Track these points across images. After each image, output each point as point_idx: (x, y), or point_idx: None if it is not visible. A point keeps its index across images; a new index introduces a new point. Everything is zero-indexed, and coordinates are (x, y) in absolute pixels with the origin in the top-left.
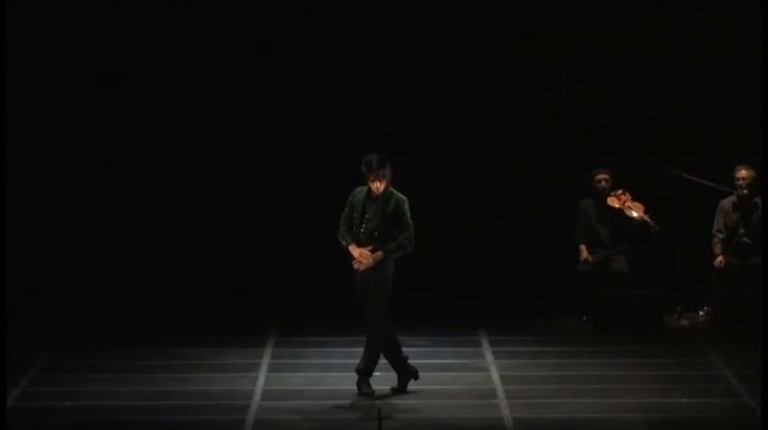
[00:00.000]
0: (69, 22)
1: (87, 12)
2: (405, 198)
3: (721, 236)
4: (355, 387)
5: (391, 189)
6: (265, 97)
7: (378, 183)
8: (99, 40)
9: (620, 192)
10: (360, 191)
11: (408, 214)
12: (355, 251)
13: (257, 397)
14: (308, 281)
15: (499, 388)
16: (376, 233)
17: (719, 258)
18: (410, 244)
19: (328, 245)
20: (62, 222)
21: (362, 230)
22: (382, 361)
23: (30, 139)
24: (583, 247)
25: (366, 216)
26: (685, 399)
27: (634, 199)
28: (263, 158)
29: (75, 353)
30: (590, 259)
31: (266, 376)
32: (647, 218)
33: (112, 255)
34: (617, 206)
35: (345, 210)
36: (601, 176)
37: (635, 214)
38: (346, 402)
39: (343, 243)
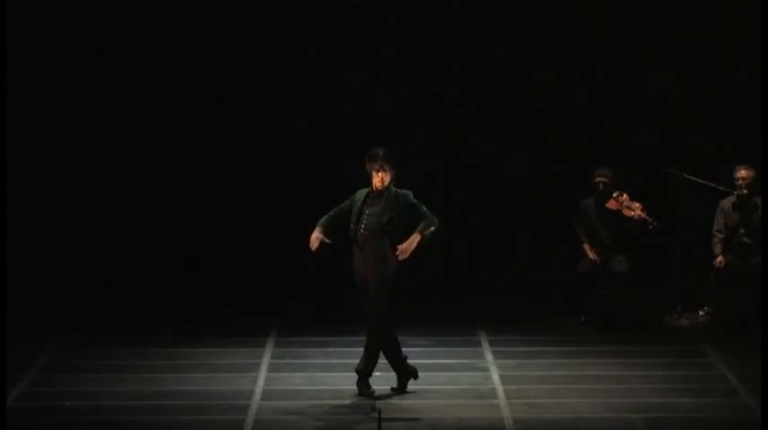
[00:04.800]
0: (67, 23)
1: (84, 13)
2: (407, 191)
3: (721, 236)
4: (355, 387)
5: (393, 187)
6: (262, 95)
7: (382, 174)
8: (97, 40)
9: (616, 193)
10: (362, 191)
11: (416, 200)
12: (313, 235)
13: (257, 397)
14: (308, 280)
15: (499, 388)
16: (387, 228)
17: (719, 258)
18: (435, 218)
19: (329, 245)
20: (62, 222)
21: (363, 226)
22: (382, 361)
23: (29, 139)
24: (587, 248)
25: (367, 212)
26: (686, 399)
27: (632, 198)
28: (263, 159)
29: (75, 352)
30: (597, 259)
31: (266, 376)
32: (645, 216)
33: (113, 255)
34: (615, 208)
35: (345, 202)
36: (600, 179)
37: (633, 213)
38: (346, 402)
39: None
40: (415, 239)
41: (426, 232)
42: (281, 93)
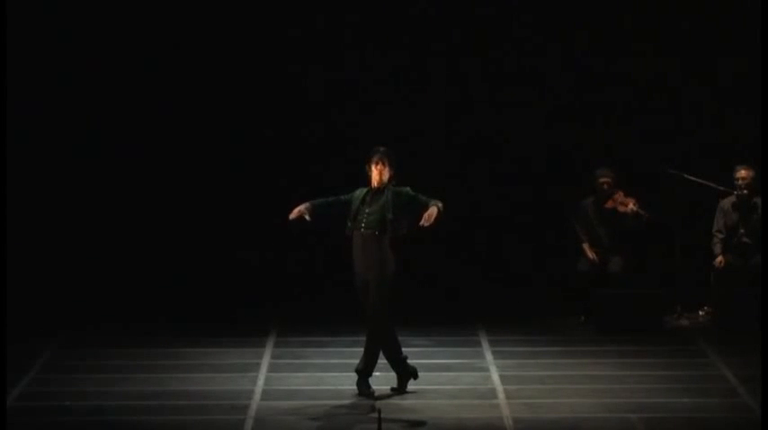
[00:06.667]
0: (66, 23)
1: (82, 13)
2: (406, 187)
3: (721, 236)
4: (355, 387)
5: (392, 185)
6: (260, 93)
7: (381, 167)
8: (94, 40)
9: (613, 192)
10: (361, 190)
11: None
12: (299, 207)
13: (257, 397)
14: (308, 280)
15: (499, 388)
16: (393, 225)
17: (719, 258)
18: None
19: (329, 245)
20: (62, 222)
21: (363, 225)
22: (382, 361)
23: (29, 140)
24: (586, 247)
25: (367, 211)
26: (685, 399)
27: (627, 195)
28: (262, 159)
29: (76, 352)
30: (597, 259)
31: (266, 376)
32: (637, 209)
33: (112, 255)
34: (611, 206)
35: (344, 195)
36: (603, 179)
37: (626, 208)
38: (346, 402)
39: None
40: (434, 211)
41: (439, 206)
42: (282, 91)
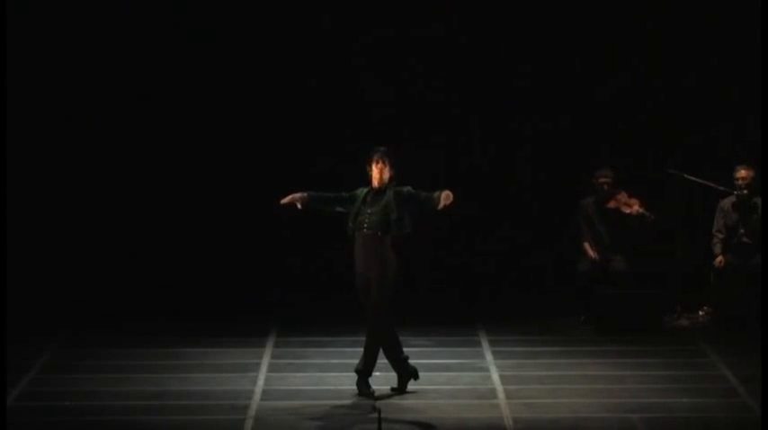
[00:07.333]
0: (65, 23)
1: (82, 13)
2: (407, 186)
3: (721, 236)
4: (355, 387)
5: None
6: (263, 97)
7: (381, 166)
8: (92, 40)
9: (614, 192)
10: (362, 190)
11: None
12: (294, 195)
13: (257, 397)
14: (308, 280)
15: (499, 388)
16: (398, 224)
17: (719, 258)
18: None
19: (329, 245)
20: (61, 222)
21: (366, 225)
22: (382, 361)
23: (29, 140)
24: (587, 247)
25: (369, 211)
26: (685, 399)
27: (631, 196)
28: (263, 159)
29: (76, 353)
30: (597, 258)
31: (266, 376)
32: (642, 210)
33: (112, 255)
34: (614, 206)
35: (345, 193)
36: (603, 179)
37: (631, 209)
38: (346, 402)
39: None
40: (448, 192)
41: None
42: (284, 92)
